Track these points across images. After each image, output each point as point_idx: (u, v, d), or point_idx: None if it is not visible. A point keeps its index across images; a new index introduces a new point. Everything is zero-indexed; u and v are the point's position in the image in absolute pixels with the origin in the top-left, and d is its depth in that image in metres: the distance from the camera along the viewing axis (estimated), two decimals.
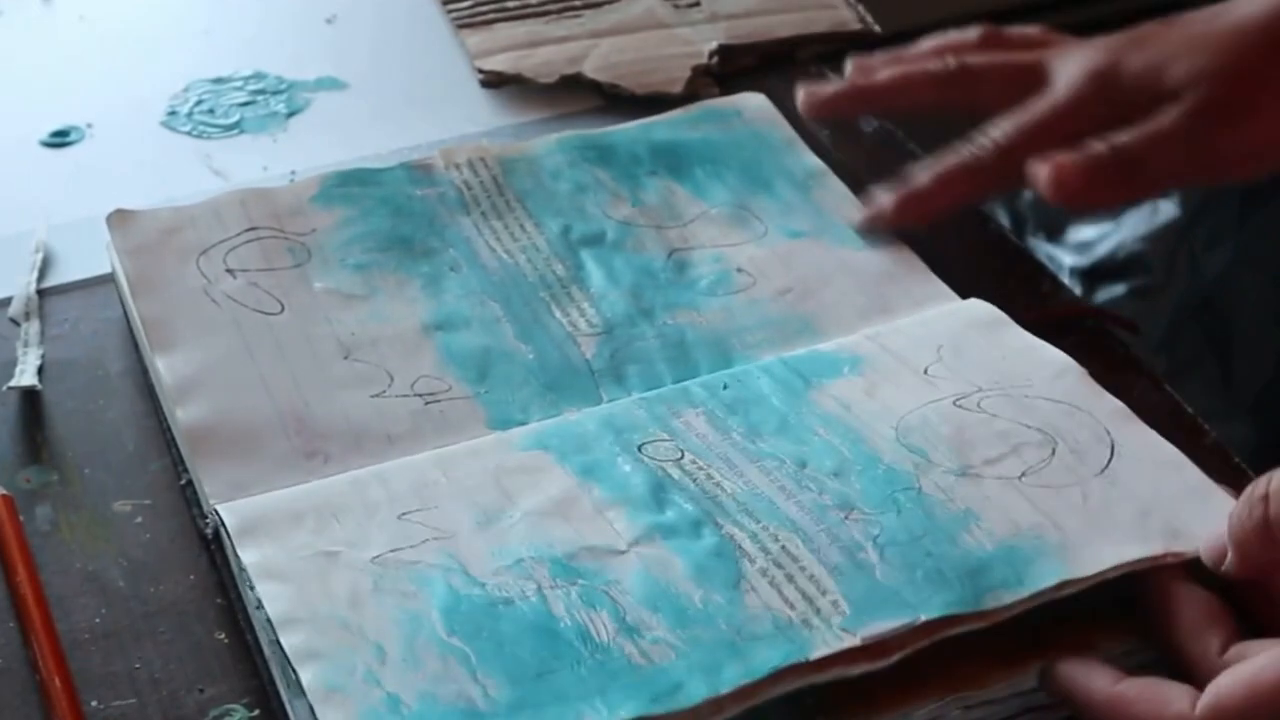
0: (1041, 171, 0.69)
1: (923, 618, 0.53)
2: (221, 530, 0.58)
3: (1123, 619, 0.55)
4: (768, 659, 0.52)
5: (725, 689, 0.51)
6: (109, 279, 0.71)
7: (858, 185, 0.74)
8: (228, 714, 0.56)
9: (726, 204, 0.73)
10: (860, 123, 0.81)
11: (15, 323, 0.70)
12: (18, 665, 0.57)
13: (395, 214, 0.72)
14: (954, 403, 0.62)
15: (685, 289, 0.69)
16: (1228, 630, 0.53)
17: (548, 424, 0.63)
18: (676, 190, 0.74)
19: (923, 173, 0.72)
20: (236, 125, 0.82)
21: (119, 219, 0.70)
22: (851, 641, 0.52)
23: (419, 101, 0.84)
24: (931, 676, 0.53)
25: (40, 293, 0.72)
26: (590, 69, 0.83)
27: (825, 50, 0.87)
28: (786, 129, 0.78)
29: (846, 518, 0.57)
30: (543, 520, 0.58)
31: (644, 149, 0.76)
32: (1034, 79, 0.73)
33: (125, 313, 0.69)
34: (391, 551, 0.57)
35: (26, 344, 0.69)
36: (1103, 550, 0.55)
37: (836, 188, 0.75)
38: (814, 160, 0.76)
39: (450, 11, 0.89)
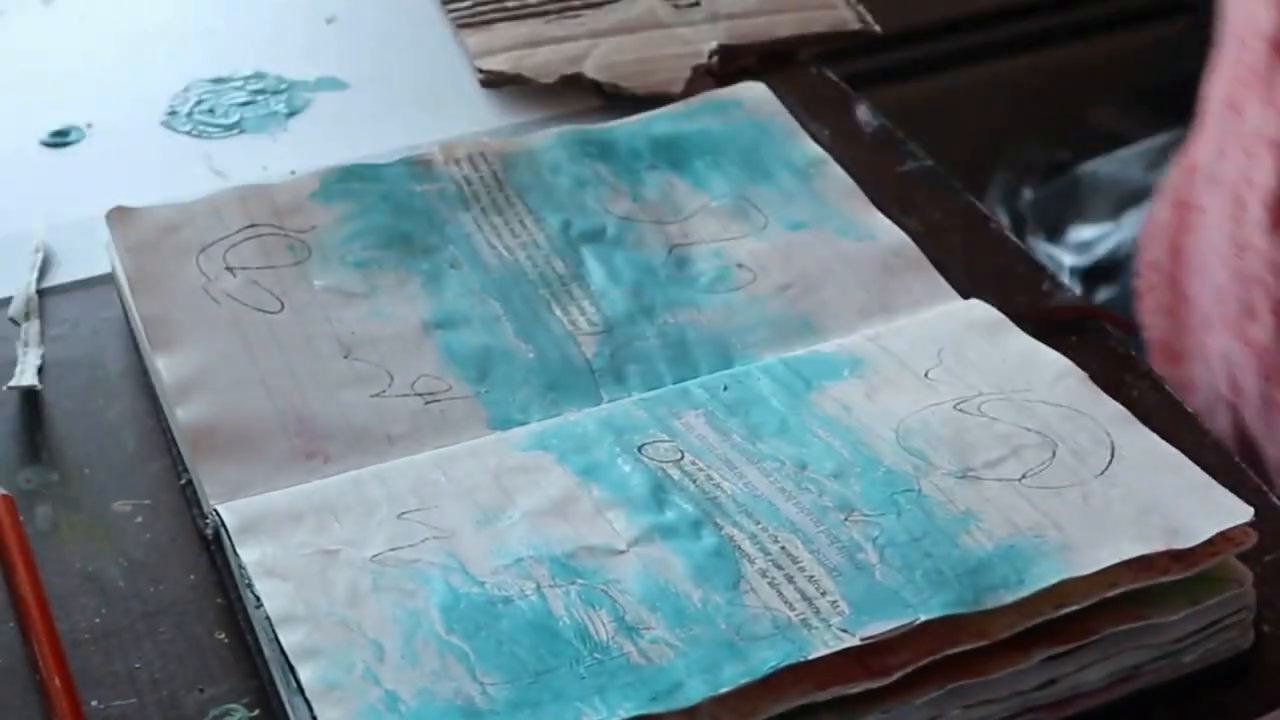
0: None
1: (922, 618, 0.53)
2: (221, 530, 0.58)
3: (1124, 605, 0.55)
4: (767, 659, 0.52)
5: (724, 688, 0.51)
6: (109, 279, 0.71)
7: (857, 184, 0.74)
8: (228, 714, 0.56)
9: (727, 195, 0.73)
10: (860, 122, 0.81)
11: (15, 323, 0.70)
12: (18, 665, 0.57)
13: (395, 210, 0.72)
14: (954, 406, 0.62)
15: (685, 286, 0.69)
16: None
17: (548, 424, 0.63)
18: (676, 183, 0.74)
19: None
20: (236, 125, 0.82)
21: (119, 216, 0.70)
22: (850, 641, 0.52)
23: (419, 101, 0.84)
24: (932, 663, 0.53)
25: (40, 293, 0.72)
26: (590, 69, 0.83)
27: (825, 50, 0.87)
28: (787, 118, 0.78)
29: (846, 519, 0.57)
30: (542, 520, 0.58)
31: (644, 143, 0.76)
32: None
33: (125, 312, 0.69)
34: (391, 550, 0.57)
35: (26, 344, 0.69)
36: (1102, 550, 0.55)
37: (838, 176, 0.75)
38: (815, 149, 0.76)
39: (450, 11, 0.89)
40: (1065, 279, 1.20)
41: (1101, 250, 1.54)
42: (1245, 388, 0.81)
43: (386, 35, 0.89)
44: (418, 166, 0.74)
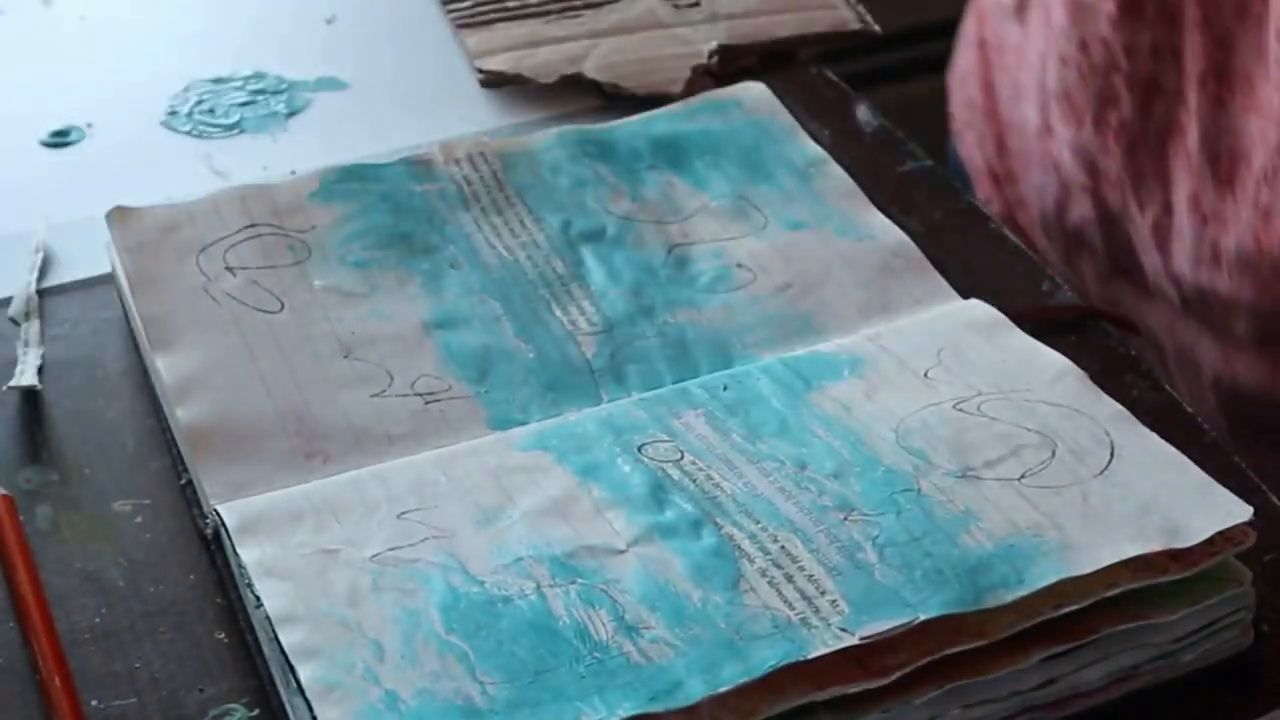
0: None
1: (921, 617, 0.53)
2: (221, 530, 0.58)
3: (1123, 605, 0.55)
4: (766, 658, 0.52)
5: (724, 688, 0.51)
6: (109, 279, 0.71)
7: (857, 184, 0.74)
8: (228, 714, 0.56)
9: (727, 195, 0.73)
10: (860, 122, 0.81)
11: (15, 323, 0.70)
12: (18, 665, 0.57)
13: (395, 210, 0.72)
14: (954, 406, 0.62)
15: (685, 286, 0.69)
16: None
17: (548, 424, 0.63)
18: (676, 183, 0.74)
19: None
20: (236, 125, 0.82)
21: (119, 216, 0.70)
22: (850, 641, 0.52)
23: (419, 102, 0.84)
24: (931, 663, 0.53)
25: (40, 293, 0.72)
26: (590, 69, 0.83)
27: (825, 50, 0.87)
28: (787, 118, 0.78)
29: (846, 519, 0.57)
30: (542, 519, 0.58)
31: (644, 143, 0.76)
32: None
33: (125, 312, 0.69)
34: (390, 550, 0.57)
35: (26, 344, 0.69)
36: (1101, 549, 0.55)
37: (838, 176, 0.75)
38: (815, 148, 0.76)
39: (450, 11, 0.89)
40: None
41: None
42: (1107, 170, 0.87)
43: (386, 35, 0.89)
44: (418, 166, 0.74)
